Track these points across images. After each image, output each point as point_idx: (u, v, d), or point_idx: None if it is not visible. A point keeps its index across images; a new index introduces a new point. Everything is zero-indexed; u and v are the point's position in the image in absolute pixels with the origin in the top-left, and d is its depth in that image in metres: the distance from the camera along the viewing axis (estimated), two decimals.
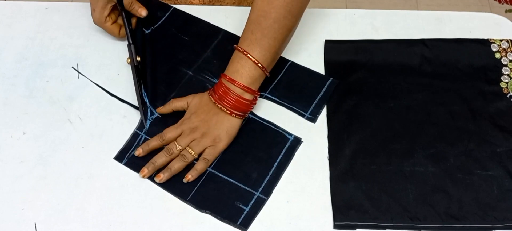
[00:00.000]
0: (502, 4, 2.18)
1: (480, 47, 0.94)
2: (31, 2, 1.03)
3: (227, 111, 0.82)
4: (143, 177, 0.80)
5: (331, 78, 0.90)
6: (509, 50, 0.93)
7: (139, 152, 0.82)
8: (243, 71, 0.82)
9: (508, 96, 0.88)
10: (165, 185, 0.80)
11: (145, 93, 0.87)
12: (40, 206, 0.78)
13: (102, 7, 0.91)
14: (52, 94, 0.90)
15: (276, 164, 0.82)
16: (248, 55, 0.82)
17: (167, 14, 0.99)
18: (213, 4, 1.04)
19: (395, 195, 0.78)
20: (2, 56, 0.95)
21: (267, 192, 0.79)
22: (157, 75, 0.91)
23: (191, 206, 0.78)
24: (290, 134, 0.84)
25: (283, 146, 0.83)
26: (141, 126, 0.86)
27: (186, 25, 0.98)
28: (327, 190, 0.79)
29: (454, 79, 0.90)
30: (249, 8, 0.99)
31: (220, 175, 0.81)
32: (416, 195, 0.78)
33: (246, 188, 0.80)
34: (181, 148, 0.82)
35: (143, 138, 0.84)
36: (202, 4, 1.04)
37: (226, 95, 0.82)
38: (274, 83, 0.90)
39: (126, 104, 0.89)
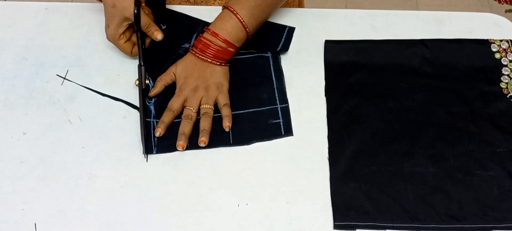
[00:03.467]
0: (502, 4, 2.18)
1: (480, 47, 0.94)
2: (31, 2, 1.03)
3: (210, 61, 0.88)
4: (183, 149, 0.83)
5: (287, 27, 0.98)
6: (509, 50, 0.93)
7: (159, 132, 0.84)
8: (231, 30, 0.88)
9: (508, 96, 0.88)
10: (208, 145, 0.83)
11: (150, 79, 0.90)
12: (40, 206, 0.78)
13: (117, 25, 0.90)
14: (52, 95, 0.90)
15: (273, 77, 0.91)
16: (238, 15, 0.88)
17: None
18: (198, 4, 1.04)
19: (395, 196, 0.78)
20: (2, 57, 0.95)
21: (284, 99, 0.89)
22: (160, 60, 0.93)
23: (238, 146, 0.84)
24: (266, 52, 0.93)
25: (269, 61, 0.92)
26: (148, 114, 0.87)
27: (161, 19, 0.98)
28: (327, 191, 0.79)
29: (454, 79, 0.90)
30: None
31: (241, 111, 0.87)
32: (416, 195, 0.78)
33: (267, 107, 0.88)
34: (194, 108, 0.86)
35: (155, 122, 0.86)
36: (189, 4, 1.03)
37: (207, 47, 0.87)
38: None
39: (126, 105, 0.89)
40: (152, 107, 0.88)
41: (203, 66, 0.88)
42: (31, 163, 0.83)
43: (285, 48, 0.95)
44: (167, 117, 0.85)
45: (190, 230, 0.76)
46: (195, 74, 0.88)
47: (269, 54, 0.92)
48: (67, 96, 0.90)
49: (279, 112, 0.87)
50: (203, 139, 0.83)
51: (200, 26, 0.98)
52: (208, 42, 0.87)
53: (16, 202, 0.79)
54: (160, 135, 0.84)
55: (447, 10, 1.03)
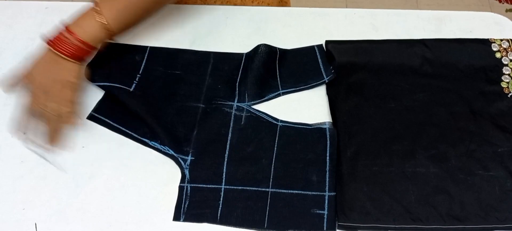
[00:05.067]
0: (503, 3, 2.18)
1: (481, 47, 0.94)
2: (32, 2, 1.03)
3: (63, 56, 0.81)
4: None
5: (315, 45, 0.95)
6: (509, 49, 0.93)
7: (19, 134, 0.83)
8: (90, 31, 0.82)
9: (509, 96, 0.88)
10: (240, 223, 0.77)
11: (167, 148, 0.83)
12: (40, 206, 0.78)
13: None
14: None
15: (327, 157, 0.81)
16: (99, 15, 0.82)
17: (146, 55, 0.95)
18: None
19: (397, 196, 0.78)
20: (3, 56, 0.95)
21: (333, 188, 0.79)
22: (168, 120, 0.86)
23: None
24: (324, 123, 0.85)
25: (325, 139, 0.83)
26: (183, 178, 0.81)
27: (171, 60, 0.94)
28: None
29: (454, 79, 0.90)
30: (249, 8, 1.00)
31: (283, 191, 0.79)
32: (418, 196, 0.78)
33: (314, 193, 0.78)
34: (41, 109, 0.81)
35: (189, 188, 0.80)
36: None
37: (61, 42, 0.81)
38: (278, 79, 0.90)
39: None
40: (186, 172, 0.81)
41: (52, 60, 0.82)
42: (31, 162, 0.83)
43: (327, 64, 0.92)
44: (25, 116, 0.83)
45: (190, 229, 0.76)
46: (41, 68, 0.83)
47: (326, 127, 0.84)
48: None
49: (326, 202, 0.77)
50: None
51: (210, 57, 0.94)
52: (64, 39, 0.81)
53: (16, 201, 0.79)
54: (23, 134, 0.83)
55: (448, 9, 1.02)
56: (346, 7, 1.88)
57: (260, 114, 0.86)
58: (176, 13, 1.00)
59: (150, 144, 0.84)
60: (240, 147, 0.83)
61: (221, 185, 0.80)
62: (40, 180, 0.81)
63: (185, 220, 0.77)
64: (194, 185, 0.80)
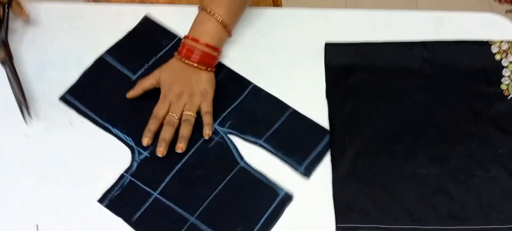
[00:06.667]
0: (502, 4, 2.18)
1: (480, 48, 0.94)
2: (31, 2, 1.03)
3: (196, 66, 0.85)
4: (162, 155, 0.81)
5: (329, 131, 0.85)
6: (509, 51, 0.93)
7: (146, 141, 0.82)
8: (212, 33, 0.86)
9: (508, 98, 0.88)
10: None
11: (130, 138, 0.85)
12: (41, 207, 0.78)
13: None
14: (53, 96, 0.90)
15: (262, 220, 0.77)
16: (215, 15, 0.86)
17: (172, 43, 0.95)
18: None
19: (397, 197, 0.78)
20: None
21: None
22: (148, 112, 0.86)
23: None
24: (281, 189, 0.80)
25: (272, 202, 0.79)
26: (128, 169, 0.82)
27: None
28: (329, 192, 0.79)
29: (454, 81, 0.90)
30: (250, 9, 1.00)
31: (203, 227, 0.77)
32: (418, 196, 0.78)
33: None
34: (177, 115, 0.84)
35: (128, 180, 0.81)
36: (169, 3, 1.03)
37: (191, 53, 0.85)
38: (271, 131, 0.85)
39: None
40: (134, 165, 0.82)
41: (188, 72, 0.86)
42: (32, 163, 0.83)
43: (320, 157, 0.83)
44: (153, 125, 0.83)
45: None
46: (180, 80, 0.86)
47: (281, 193, 0.79)
48: None
49: None
50: (180, 146, 0.81)
51: (222, 71, 0.92)
52: (191, 48, 0.85)
53: (17, 202, 0.79)
54: (147, 144, 0.82)
55: (447, 10, 1.02)
56: (346, 8, 1.88)
57: (231, 146, 0.84)
58: (176, 14, 1.00)
59: (113, 130, 0.85)
60: (192, 167, 0.82)
61: (154, 192, 0.80)
62: (41, 181, 0.81)
63: (107, 206, 0.79)
64: (134, 180, 0.81)
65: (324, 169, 0.81)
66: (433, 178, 0.80)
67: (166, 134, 0.82)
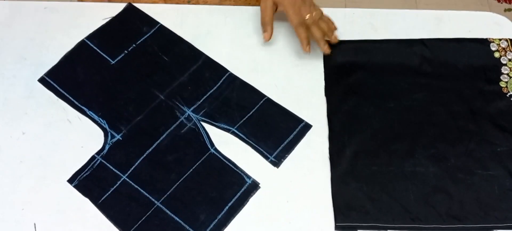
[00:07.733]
0: (501, 3, 2.18)
1: (479, 46, 0.94)
2: (31, 2, 1.02)
3: None
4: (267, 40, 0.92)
5: (304, 122, 0.86)
6: (508, 49, 0.93)
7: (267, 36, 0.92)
8: None
9: (508, 95, 0.88)
10: (109, 214, 0.77)
11: (104, 121, 0.85)
12: (39, 206, 0.78)
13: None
14: (51, 95, 0.89)
15: (227, 207, 0.77)
16: None
17: (153, 30, 0.96)
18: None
19: (396, 196, 0.78)
20: (2, 56, 0.95)
21: None
22: (127, 96, 0.88)
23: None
24: (249, 177, 0.80)
25: (239, 189, 0.79)
26: (99, 151, 0.82)
27: (169, 44, 0.95)
28: (328, 191, 0.79)
29: (453, 79, 0.90)
30: (249, 7, 1.00)
31: (167, 211, 0.77)
32: (417, 195, 0.78)
33: (191, 229, 0.76)
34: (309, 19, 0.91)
35: (98, 162, 0.81)
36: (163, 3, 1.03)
37: None
38: (244, 119, 0.86)
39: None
40: (106, 147, 0.83)
41: None
42: (30, 162, 0.82)
43: (291, 146, 0.84)
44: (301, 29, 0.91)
45: None
46: None
47: (248, 181, 0.80)
48: None
49: None
50: (326, 47, 0.91)
51: (201, 59, 0.93)
52: None
53: (15, 201, 0.79)
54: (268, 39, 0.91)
55: (446, 9, 1.02)
56: (345, 7, 1.88)
57: (202, 132, 0.84)
58: (176, 13, 1.00)
59: (88, 113, 0.86)
60: (163, 152, 0.83)
61: (123, 175, 0.80)
62: (40, 180, 0.81)
63: (75, 187, 0.79)
64: (104, 162, 0.81)
65: (323, 167, 0.81)
66: (432, 176, 0.79)
67: (317, 33, 0.90)
